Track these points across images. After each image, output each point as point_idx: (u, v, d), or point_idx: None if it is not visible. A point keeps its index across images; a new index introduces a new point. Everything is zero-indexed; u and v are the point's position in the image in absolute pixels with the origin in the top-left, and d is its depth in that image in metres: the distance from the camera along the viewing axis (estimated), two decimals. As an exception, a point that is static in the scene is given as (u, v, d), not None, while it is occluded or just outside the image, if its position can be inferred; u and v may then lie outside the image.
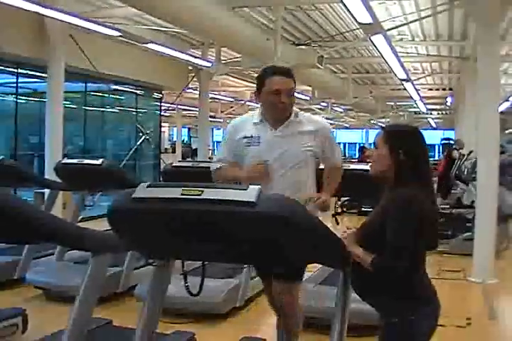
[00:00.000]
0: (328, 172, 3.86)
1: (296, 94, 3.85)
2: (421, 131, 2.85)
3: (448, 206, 10.87)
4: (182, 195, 2.13)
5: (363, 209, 12.24)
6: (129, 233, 2.43)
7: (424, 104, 23.22)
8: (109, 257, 2.91)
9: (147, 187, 2.25)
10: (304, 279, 3.98)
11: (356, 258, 2.67)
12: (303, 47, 12.37)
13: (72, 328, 2.82)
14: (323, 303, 4.88)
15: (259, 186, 2.14)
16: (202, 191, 2.12)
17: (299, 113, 3.76)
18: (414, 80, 16.21)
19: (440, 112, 32.41)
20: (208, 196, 2.10)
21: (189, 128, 41.07)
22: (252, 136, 3.68)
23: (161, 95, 16.49)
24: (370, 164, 2.87)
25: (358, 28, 10.46)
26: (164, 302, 2.87)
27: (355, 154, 39.53)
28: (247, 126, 3.74)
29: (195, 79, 15.71)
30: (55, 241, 3.37)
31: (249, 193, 2.09)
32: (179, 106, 23.45)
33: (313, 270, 6.11)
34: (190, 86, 16.46)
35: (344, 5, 7.07)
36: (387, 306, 2.72)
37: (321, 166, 3.93)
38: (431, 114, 32.62)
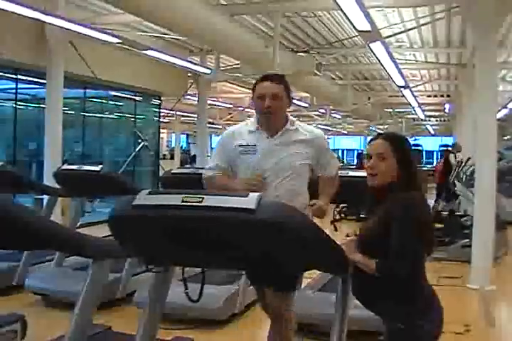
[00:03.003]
0: (324, 182, 3.82)
1: (294, 101, 3.86)
2: (410, 139, 2.89)
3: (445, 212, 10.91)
4: (183, 202, 2.14)
5: (361, 215, 12.27)
6: (130, 240, 2.44)
7: (423, 110, 23.29)
8: (110, 263, 2.92)
9: (148, 194, 2.26)
10: (302, 286, 3.98)
11: (359, 264, 2.68)
12: (301, 54, 12.39)
13: (72, 334, 2.83)
14: (322, 310, 4.87)
15: (259, 193, 2.15)
16: (202, 198, 2.13)
17: (295, 122, 3.75)
18: (413, 87, 16.26)
19: (438, 119, 32.43)
20: (209, 203, 2.12)
21: (187, 135, 41.08)
22: (247, 145, 3.66)
23: (159, 101, 16.52)
24: (371, 176, 2.80)
25: (356, 35, 10.50)
26: (164, 308, 2.88)
27: (353, 161, 39.58)
28: (243, 135, 3.72)
29: (194, 85, 15.75)
30: (56, 248, 3.38)
31: (250, 200, 2.11)
32: (178, 113, 23.45)
33: (312, 276, 6.12)
34: (189, 92, 16.49)
35: (343, 12, 7.10)
36: (393, 312, 2.72)
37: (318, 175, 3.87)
38: (429, 120, 32.66)
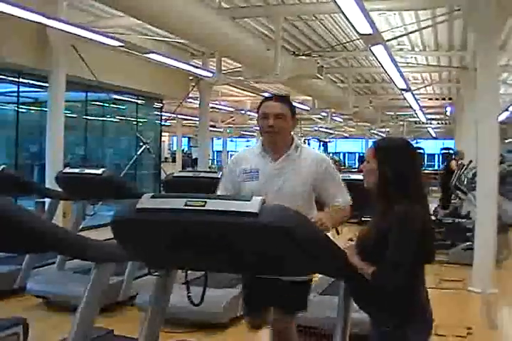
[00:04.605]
0: (334, 211, 3.63)
1: (296, 104, 3.83)
2: (412, 142, 2.86)
3: (446, 216, 10.91)
4: (186, 205, 2.15)
5: (362, 219, 12.26)
6: (133, 243, 2.45)
7: (424, 113, 23.26)
8: (112, 267, 2.93)
9: (151, 197, 2.27)
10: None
11: (358, 269, 2.69)
12: (303, 57, 12.39)
13: (73, 337, 2.83)
14: (324, 313, 4.87)
15: (262, 197, 2.16)
16: (205, 202, 2.14)
17: (300, 146, 3.68)
18: (414, 90, 16.25)
19: (440, 122, 32.41)
20: (212, 207, 2.12)
21: (189, 138, 41.11)
22: (251, 170, 3.62)
23: (161, 105, 16.53)
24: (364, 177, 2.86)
25: (358, 39, 10.50)
26: (166, 311, 2.88)
27: (354, 164, 39.63)
28: (248, 159, 3.69)
29: (195, 89, 15.77)
30: (58, 251, 3.39)
31: (252, 204, 2.11)
32: (179, 116, 23.48)
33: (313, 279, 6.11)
34: (190, 95, 16.50)
35: (344, 15, 7.10)
36: (383, 318, 2.73)
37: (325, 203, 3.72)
38: (430, 123, 32.62)
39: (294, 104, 3.83)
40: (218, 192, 3.77)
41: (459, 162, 14.42)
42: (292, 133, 3.75)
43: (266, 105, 3.62)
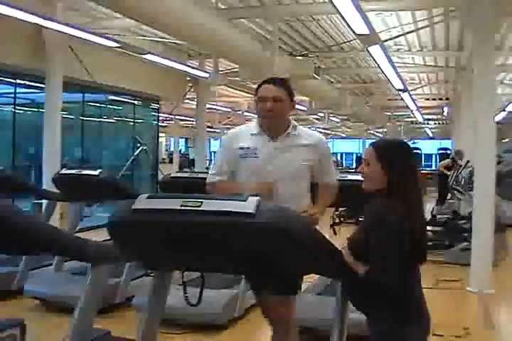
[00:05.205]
0: (322, 189, 3.79)
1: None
2: (409, 142, 2.85)
3: (444, 216, 10.92)
4: (182, 206, 2.15)
5: (360, 219, 12.26)
6: (129, 244, 2.44)
7: (421, 113, 23.33)
8: (109, 268, 2.92)
9: (147, 198, 2.27)
10: (301, 290, 3.94)
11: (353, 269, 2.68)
12: (300, 57, 12.40)
13: (71, 339, 2.83)
14: (321, 314, 4.86)
15: (258, 197, 2.15)
16: (201, 202, 2.14)
17: (297, 126, 3.71)
18: (411, 90, 16.30)
19: (437, 122, 32.50)
20: (208, 207, 2.12)
21: (186, 139, 41.10)
22: (248, 147, 3.61)
23: (158, 105, 16.53)
24: (363, 179, 2.84)
25: (355, 39, 10.52)
26: (163, 312, 2.87)
27: (352, 164, 39.64)
28: (244, 137, 3.68)
29: (192, 89, 15.77)
30: (56, 252, 3.38)
31: (248, 204, 2.11)
32: (177, 117, 23.48)
33: (311, 280, 6.11)
34: (187, 96, 16.51)
35: (341, 16, 7.10)
36: (378, 317, 2.73)
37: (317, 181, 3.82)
38: (427, 123, 32.72)
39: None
40: (214, 169, 3.77)
41: (458, 162, 14.48)
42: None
43: (264, 88, 3.62)
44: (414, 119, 27.87)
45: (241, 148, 3.64)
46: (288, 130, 3.66)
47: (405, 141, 3.07)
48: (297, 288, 3.73)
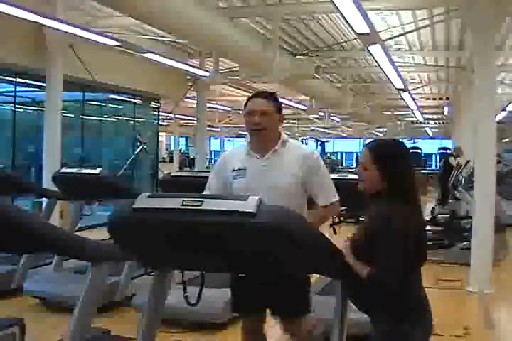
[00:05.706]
0: (319, 210, 3.68)
1: (294, 104, 3.81)
2: (409, 142, 2.83)
3: (445, 216, 10.92)
4: (182, 205, 2.14)
5: (360, 218, 12.28)
6: (129, 243, 2.44)
7: (421, 113, 23.32)
8: (109, 267, 2.92)
9: (147, 197, 2.26)
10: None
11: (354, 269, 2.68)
12: (300, 57, 12.40)
13: (70, 338, 2.82)
14: (321, 314, 4.85)
15: (259, 197, 2.15)
16: (202, 202, 2.13)
17: (287, 141, 3.65)
18: (412, 90, 16.29)
19: (437, 122, 32.47)
20: (208, 207, 2.12)
21: (187, 138, 41.12)
22: (240, 169, 3.59)
23: (158, 104, 16.52)
24: (359, 181, 2.83)
25: (355, 38, 10.52)
26: (163, 311, 2.87)
27: (352, 163, 39.63)
28: (238, 158, 3.67)
29: (193, 88, 15.76)
30: (56, 251, 3.38)
31: (249, 204, 2.10)
32: (177, 116, 23.47)
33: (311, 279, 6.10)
34: (188, 95, 16.50)
35: (342, 15, 7.10)
36: (380, 317, 2.72)
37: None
38: (428, 123, 32.70)
39: (292, 103, 3.84)
40: (206, 191, 3.74)
41: (457, 160, 14.47)
42: (280, 129, 3.72)
43: (251, 102, 3.60)
44: (414, 119, 27.86)
45: (234, 170, 3.63)
46: (276, 146, 3.60)
47: (400, 140, 3.06)
48: (305, 309, 3.76)
